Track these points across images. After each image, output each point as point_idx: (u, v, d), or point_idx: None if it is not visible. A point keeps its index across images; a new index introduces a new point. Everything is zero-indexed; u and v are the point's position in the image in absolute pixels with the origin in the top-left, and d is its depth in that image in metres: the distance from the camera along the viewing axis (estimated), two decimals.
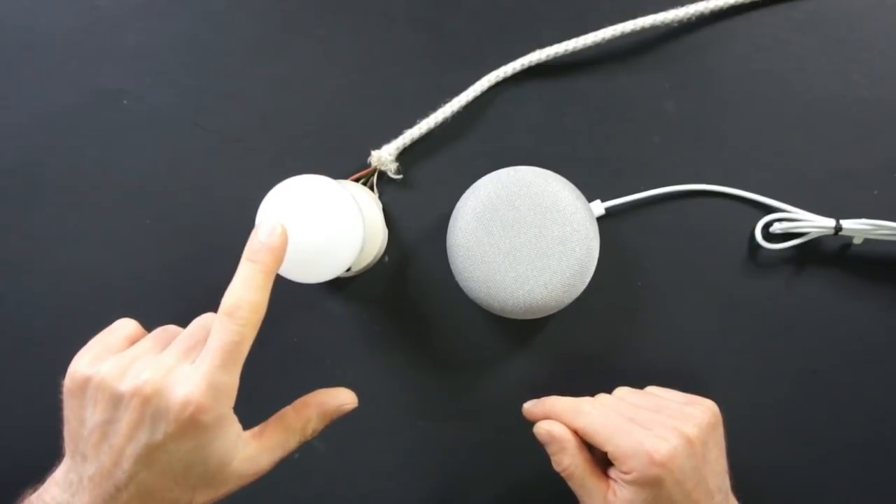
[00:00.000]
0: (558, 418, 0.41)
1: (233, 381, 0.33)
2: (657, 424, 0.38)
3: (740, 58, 0.48)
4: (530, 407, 0.43)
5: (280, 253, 0.35)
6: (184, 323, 0.49)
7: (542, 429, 0.41)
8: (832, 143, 0.48)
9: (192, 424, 0.32)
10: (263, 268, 0.34)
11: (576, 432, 0.40)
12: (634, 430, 0.38)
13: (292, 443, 0.37)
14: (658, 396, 0.42)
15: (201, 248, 0.49)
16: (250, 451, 0.35)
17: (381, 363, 0.48)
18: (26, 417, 0.49)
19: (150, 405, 0.32)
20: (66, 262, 0.49)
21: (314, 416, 0.38)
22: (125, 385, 0.32)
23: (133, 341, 0.37)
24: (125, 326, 0.37)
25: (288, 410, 0.38)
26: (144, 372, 0.33)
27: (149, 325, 0.48)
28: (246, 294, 0.33)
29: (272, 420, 0.37)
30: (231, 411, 0.34)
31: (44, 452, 0.49)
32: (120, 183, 0.49)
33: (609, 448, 0.38)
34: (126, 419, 0.32)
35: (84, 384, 0.34)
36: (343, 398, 0.39)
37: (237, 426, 0.34)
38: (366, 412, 0.48)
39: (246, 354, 0.34)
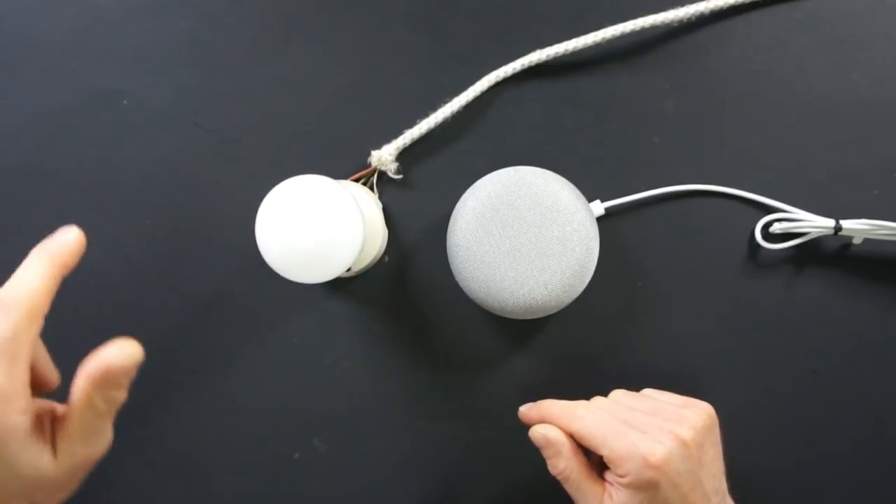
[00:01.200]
0: (553, 422, 0.41)
1: (14, 382, 0.28)
2: (652, 427, 0.38)
3: (740, 58, 0.48)
4: (526, 410, 0.43)
5: (74, 251, 0.32)
6: (183, 324, 0.49)
7: (537, 433, 0.41)
8: (832, 143, 0.48)
9: None
10: (52, 259, 0.31)
11: (571, 436, 0.40)
12: (629, 434, 0.38)
13: (101, 420, 0.31)
14: (654, 399, 0.42)
15: (201, 248, 0.49)
16: (64, 445, 0.30)
17: (381, 363, 0.48)
18: None
19: None
20: None
21: (101, 383, 0.31)
22: None
23: None
24: None
25: (76, 386, 0.31)
26: None
27: (148, 325, 0.48)
28: (25, 282, 0.30)
29: (71, 402, 0.31)
30: (24, 416, 0.29)
31: None
32: (120, 183, 0.49)
33: (604, 451, 0.38)
34: None
35: None
36: (120, 352, 0.31)
37: (41, 428, 0.30)
38: (366, 412, 0.48)
39: (28, 350, 0.29)
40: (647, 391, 0.44)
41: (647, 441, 0.37)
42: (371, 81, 0.49)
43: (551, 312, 0.44)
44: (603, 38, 0.47)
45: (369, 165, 0.48)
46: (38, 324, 0.30)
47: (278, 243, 0.39)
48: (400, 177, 0.48)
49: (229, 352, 0.48)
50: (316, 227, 0.38)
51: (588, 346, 0.48)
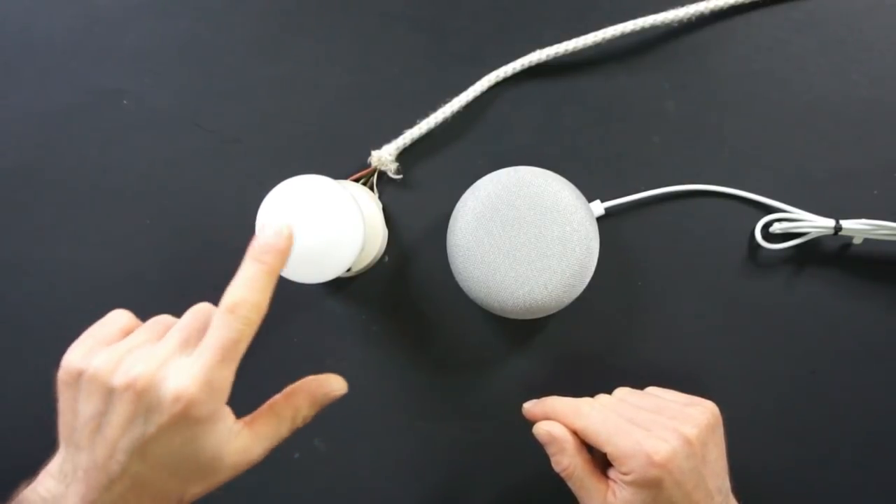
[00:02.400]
0: (558, 419, 0.41)
1: (228, 377, 0.33)
2: (657, 425, 0.38)
3: (740, 58, 0.48)
4: (530, 407, 0.43)
5: (285, 254, 0.35)
6: None
7: (541, 429, 0.41)
8: (832, 143, 0.48)
9: (185, 418, 0.32)
10: (267, 268, 0.34)
11: (575, 433, 0.40)
12: (634, 431, 0.38)
13: (284, 431, 0.37)
14: (658, 397, 0.42)
15: (201, 248, 0.49)
16: (242, 442, 0.35)
17: (381, 363, 0.48)
18: (26, 417, 0.49)
19: (143, 398, 0.31)
20: (66, 262, 0.49)
21: (304, 404, 0.37)
22: (118, 378, 0.32)
23: (127, 332, 0.36)
24: (119, 318, 0.37)
25: (278, 399, 0.37)
26: (137, 365, 0.32)
27: None
28: (248, 293, 0.33)
29: (263, 409, 0.37)
30: (224, 406, 0.34)
31: (43, 452, 0.49)
32: (120, 183, 0.49)
33: (608, 449, 0.38)
34: (119, 412, 0.32)
35: (77, 376, 0.33)
36: (332, 384, 0.38)
37: (230, 419, 0.34)
38: (366, 412, 0.48)
39: (243, 352, 0.33)
40: (652, 389, 0.44)
41: (651, 439, 0.37)
42: (371, 81, 0.49)
43: (551, 312, 0.44)
44: (603, 38, 0.47)
45: (369, 165, 0.48)
46: (255, 330, 0.33)
47: None
48: (400, 177, 0.48)
49: None
50: (316, 227, 0.38)
51: (588, 345, 0.48)
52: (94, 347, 0.34)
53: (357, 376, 0.48)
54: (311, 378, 0.38)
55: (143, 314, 0.49)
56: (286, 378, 0.48)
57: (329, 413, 0.48)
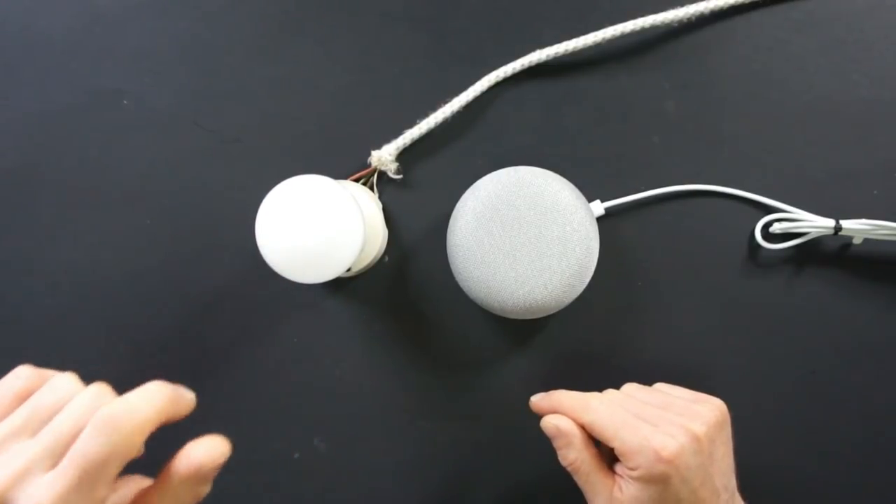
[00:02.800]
0: (565, 412, 0.41)
1: (91, 498, 0.28)
2: (665, 421, 0.38)
3: (740, 58, 0.48)
4: (538, 401, 0.43)
5: (188, 406, 0.32)
6: (183, 324, 0.49)
7: (549, 423, 0.40)
8: (832, 143, 0.48)
9: None
10: (169, 400, 0.31)
11: (583, 427, 0.40)
12: (641, 427, 0.38)
13: None
14: (666, 393, 0.42)
15: (201, 248, 0.49)
16: None
17: (381, 363, 0.48)
18: None
19: None
20: (66, 262, 0.49)
21: (188, 479, 0.31)
22: None
23: (22, 399, 0.32)
24: (14, 383, 0.33)
25: (160, 479, 0.31)
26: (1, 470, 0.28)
27: (148, 325, 0.48)
28: (142, 405, 0.29)
29: (151, 489, 0.32)
30: None
31: None
32: (120, 183, 0.49)
33: (616, 444, 0.38)
34: None
35: None
36: (209, 450, 0.31)
37: None
38: (366, 412, 0.48)
39: (116, 472, 0.28)
40: (659, 385, 0.43)
41: (658, 435, 0.37)
42: (371, 81, 0.49)
43: (551, 312, 0.44)
44: (603, 38, 0.47)
45: (369, 165, 0.48)
46: (133, 453, 0.29)
47: (278, 243, 0.39)
48: (400, 177, 0.48)
49: (229, 352, 0.48)
50: (316, 227, 0.38)
51: (588, 345, 0.48)
52: None
53: (357, 376, 0.48)
54: (184, 448, 0.31)
55: (143, 314, 0.49)
56: (286, 378, 0.48)
57: (329, 413, 0.48)
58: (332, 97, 0.49)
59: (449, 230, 0.45)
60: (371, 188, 0.48)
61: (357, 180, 0.48)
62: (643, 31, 0.47)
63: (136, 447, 0.28)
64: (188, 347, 0.48)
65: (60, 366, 0.48)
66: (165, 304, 0.49)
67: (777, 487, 0.47)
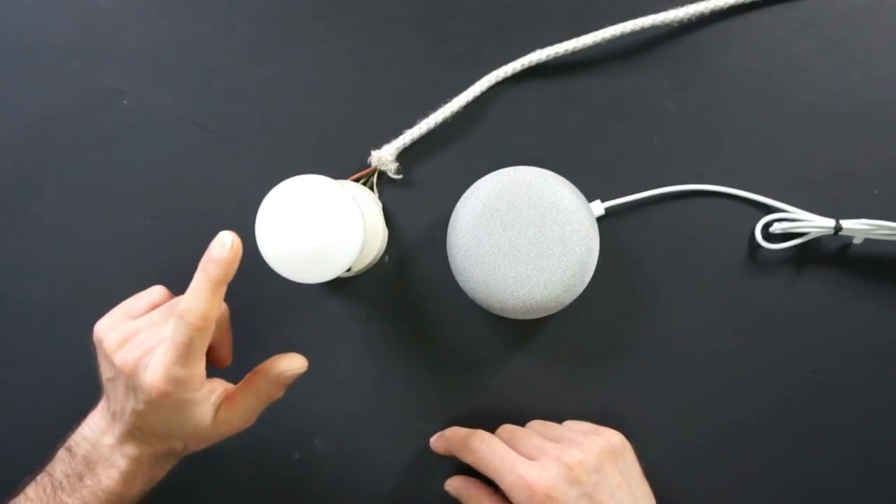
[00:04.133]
0: (455, 453, 0.43)
1: (190, 372, 0.37)
2: (543, 455, 0.39)
3: (740, 58, 0.48)
4: (433, 441, 0.46)
5: (228, 265, 0.37)
6: None
7: (449, 486, 0.45)
8: (832, 143, 0.48)
9: (160, 403, 0.37)
10: (210, 278, 0.37)
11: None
12: (518, 463, 0.39)
13: (256, 405, 0.41)
14: (562, 428, 0.43)
15: (201, 248, 0.49)
16: (221, 415, 0.40)
17: (381, 363, 0.48)
18: (26, 417, 0.49)
19: (130, 380, 0.38)
20: (66, 262, 0.49)
21: (263, 382, 0.41)
22: (118, 358, 0.39)
23: (155, 307, 0.43)
24: (151, 294, 0.44)
25: (249, 377, 0.42)
26: (134, 350, 0.38)
27: None
28: (195, 303, 0.36)
29: (239, 386, 0.42)
30: (197, 392, 0.38)
31: (44, 450, 0.49)
32: (120, 183, 0.49)
33: (498, 482, 0.40)
34: (119, 384, 0.39)
35: (99, 344, 0.40)
36: (285, 364, 0.41)
37: (209, 399, 0.39)
38: (366, 412, 0.48)
39: (202, 350, 0.37)
40: (567, 423, 0.45)
41: (532, 469, 0.38)
42: (371, 81, 0.49)
43: (551, 312, 0.44)
44: (603, 38, 0.47)
45: (369, 165, 0.48)
46: (209, 331, 0.37)
47: (278, 243, 0.39)
48: (400, 177, 0.48)
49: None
50: (316, 227, 0.38)
51: (588, 346, 0.48)
52: (118, 320, 0.41)
53: (357, 376, 0.48)
54: (275, 357, 0.42)
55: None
56: None
57: (329, 413, 0.48)
58: (332, 97, 0.49)
59: (449, 230, 0.45)
60: (371, 188, 0.48)
61: (357, 180, 0.48)
62: (643, 31, 0.47)
63: (206, 330, 0.37)
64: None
65: (61, 365, 0.49)
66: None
67: (777, 487, 0.47)
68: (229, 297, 0.48)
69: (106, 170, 0.49)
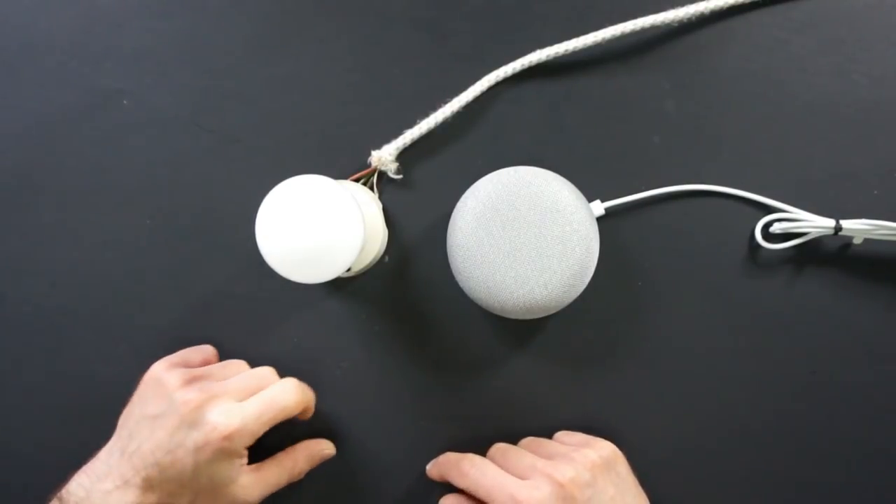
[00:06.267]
0: (449, 479, 0.43)
1: (260, 430, 0.40)
2: (535, 473, 0.39)
3: (740, 58, 0.48)
4: (429, 468, 0.46)
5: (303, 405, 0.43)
6: (183, 324, 0.49)
7: None
8: (832, 143, 0.48)
9: (213, 445, 0.38)
10: (310, 400, 0.45)
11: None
12: (509, 484, 0.39)
13: (282, 480, 0.44)
14: (554, 443, 0.43)
15: (201, 248, 0.49)
16: (247, 480, 0.41)
17: (381, 363, 0.48)
18: (27, 418, 0.49)
19: (190, 415, 0.39)
20: (66, 262, 0.49)
21: (301, 459, 0.45)
22: (180, 395, 0.40)
23: (206, 363, 0.46)
24: (205, 351, 0.47)
25: (280, 454, 0.45)
26: (199, 391, 0.40)
27: (149, 325, 0.49)
28: (305, 395, 0.43)
29: (269, 459, 0.44)
30: (245, 450, 0.41)
31: (43, 449, 0.49)
32: (120, 183, 0.49)
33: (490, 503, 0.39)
34: (171, 419, 0.39)
35: (156, 381, 0.41)
36: (324, 446, 0.46)
37: (244, 461, 0.41)
38: (366, 412, 0.48)
39: (277, 422, 0.41)
40: (559, 434, 0.45)
41: (524, 489, 0.38)
42: (371, 81, 0.49)
43: (551, 312, 0.44)
44: (603, 38, 0.47)
45: (369, 165, 0.48)
46: (292, 414, 0.42)
47: (278, 243, 0.39)
48: (400, 177, 0.48)
49: (229, 352, 0.48)
50: (316, 227, 0.38)
51: (588, 346, 0.48)
52: (177, 364, 0.44)
53: (357, 376, 0.48)
54: (307, 441, 0.46)
55: (144, 314, 0.49)
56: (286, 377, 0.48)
57: (329, 413, 0.48)
58: (332, 97, 0.49)
59: (449, 230, 0.45)
60: (371, 188, 0.48)
61: (357, 180, 0.48)
62: (643, 31, 0.47)
63: (292, 412, 0.41)
64: (188, 347, 0.48)
65: (61, 365, 0.49)
66: (165, 304, 0.49)
67: (777, 487, 0.47)
68: (229, 297, 0.49)
69: (106, 170, 0.49)
